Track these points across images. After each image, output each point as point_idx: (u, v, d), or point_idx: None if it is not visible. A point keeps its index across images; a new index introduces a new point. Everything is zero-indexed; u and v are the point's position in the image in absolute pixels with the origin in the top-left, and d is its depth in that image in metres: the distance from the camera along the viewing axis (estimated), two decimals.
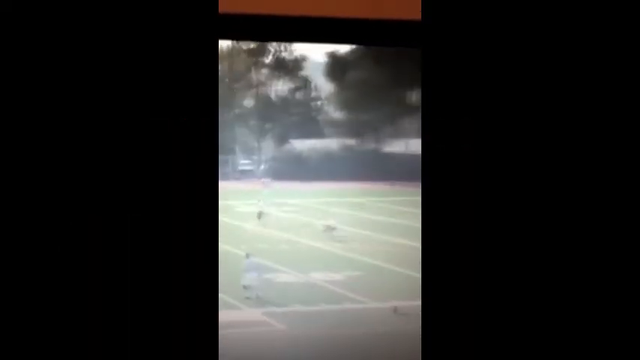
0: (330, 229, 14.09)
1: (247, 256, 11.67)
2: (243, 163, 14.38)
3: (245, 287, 11.11)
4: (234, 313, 10.71)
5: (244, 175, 14.23)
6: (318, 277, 12.46)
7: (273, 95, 14.41)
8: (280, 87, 15.00)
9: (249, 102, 13.89)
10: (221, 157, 14.62)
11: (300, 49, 14.94)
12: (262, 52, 13.78)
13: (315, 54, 15.46)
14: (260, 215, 13.96)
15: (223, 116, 13.96)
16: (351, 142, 17.34)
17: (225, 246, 12.49)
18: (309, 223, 14.99)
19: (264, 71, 14.09)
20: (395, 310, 11.24)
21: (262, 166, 14.54)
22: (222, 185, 12.93)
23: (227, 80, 13.31)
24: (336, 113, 16.84)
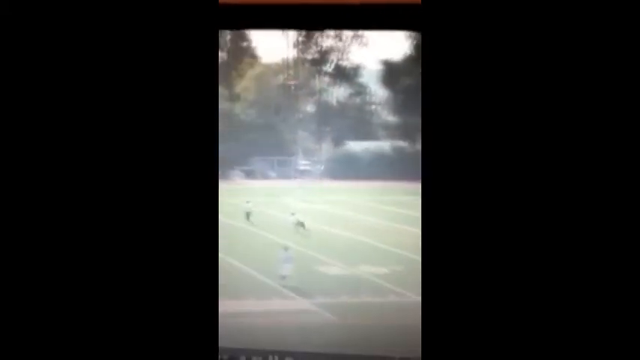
0: (300, 224, 14.44)
1: (286, 248, 12.19)
2: (303, 164, 15.16)
3: (283, 277, 11.67)
4: (286, 302, 11.21)
5: (304, 174, 15.02)
6: (363, 269, 12.80)
7: (332, 101, 15.34)
8: (339, 93, 15.93)
9: (311, 107, 14.89)
10: (283, 158, 15.52)
11: (357, 58, 15.83)
12: (324, 61, 14.81)
13: (370, 62, 16.28)
14: (302, 224, 14.32)
15: (288, 120, 14.99)
16: (401, 143, 17.67)
17: (280, 239, 13.21)
18: (355, 219, 15.46)
19: (325, 79, 15.06)
20: None
21: (320, 166, 15.39)
22: (283, 183, 13.81)
23: (293, 88, 14.42)
24: (388, 117, 17.57)
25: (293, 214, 14.34)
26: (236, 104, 14.20)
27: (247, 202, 14.24)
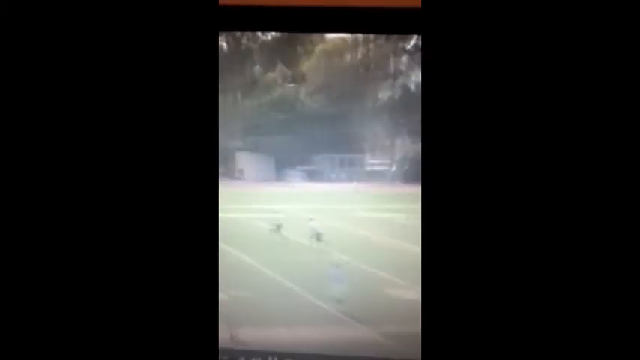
0: (317, 235, 12.62)
1: (337, 265, 10.09)
2: (372, 164, 13.45)
3: (339, 301, 9.56)
4: (347, 332, 9.11)
5: (373, 177, 13.36)
6: None
7: (411, 86, 13.32)
8: (419, 77, 13.90)
9: (383, 94, 12.82)
10: (349, 157, 13.64)
11: None
12: (403, 37, 12.67)
13: None
14: (318, 237, 12.23)
15: (354, 110, 13.00)
16: None
17: (340, 255, 11.78)
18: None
19: (403, 59, 12.97)
20: None
21: (393, 167, 13.54)
22: (343, 187, 12.33)
23: (361, 70, 12.33)
24: None
25: (311, 219, 12.32)
26: (294, 89, 12.20)
27: (276, 212, 11.89)
